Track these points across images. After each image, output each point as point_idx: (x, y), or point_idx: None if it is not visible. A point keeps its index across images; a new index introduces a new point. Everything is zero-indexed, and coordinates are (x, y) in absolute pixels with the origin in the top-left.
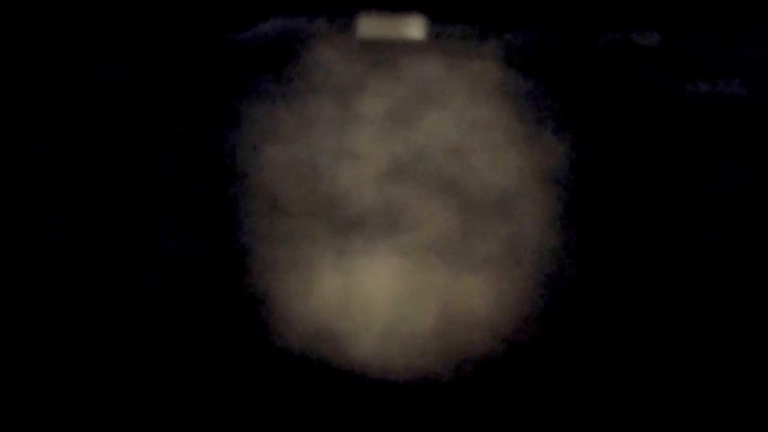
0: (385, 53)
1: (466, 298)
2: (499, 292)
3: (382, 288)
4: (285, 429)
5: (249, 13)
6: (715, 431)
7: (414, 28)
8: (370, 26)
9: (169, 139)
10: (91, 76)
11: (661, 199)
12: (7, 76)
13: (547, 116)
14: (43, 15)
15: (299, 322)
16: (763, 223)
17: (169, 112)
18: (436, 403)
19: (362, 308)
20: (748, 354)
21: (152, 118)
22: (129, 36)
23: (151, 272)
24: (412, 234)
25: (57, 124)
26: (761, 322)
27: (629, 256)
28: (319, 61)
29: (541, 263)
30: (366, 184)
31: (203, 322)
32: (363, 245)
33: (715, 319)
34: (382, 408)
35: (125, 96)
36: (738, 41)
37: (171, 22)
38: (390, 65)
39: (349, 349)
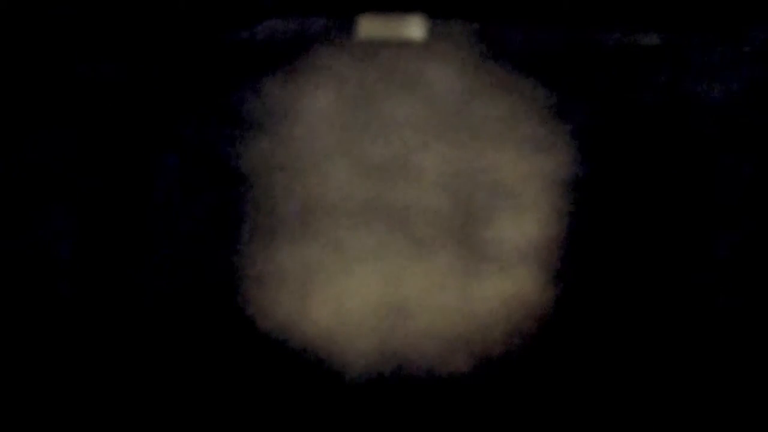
0: (385, 53)
1: (468, 298)
2: (501, 293)
3: (383, 288)
4: (283, 429)
5: (249, 13)
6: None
7: (414, 28)
8: (370, 26)
9: (168, 138)
10: (91, 75)
11: (661, 196)
12: (5, 75)
13: (548, 115)
14: (41, 15)
15: (299, 321)
16: (764, 221)
17: (169, 111)
18: (435, 403)
19: (362, 308)
20: (752, 354)
21: (151, 118)
22: (128, 36)
23: (150, 271)
24: (412, 233)
25: (55, 124)
26: (764, 322)
27: (631, 253)
28: (319, 61)
29: (544, 263)
30: (367, 183)
31: (201, 320)
32: (363, 244)
33: (717, 318)
34: (382, 408)
35: (124, 95)
36: (738, 41)
37: (171, 22)
38: (390, 65)
39: (348, 349)
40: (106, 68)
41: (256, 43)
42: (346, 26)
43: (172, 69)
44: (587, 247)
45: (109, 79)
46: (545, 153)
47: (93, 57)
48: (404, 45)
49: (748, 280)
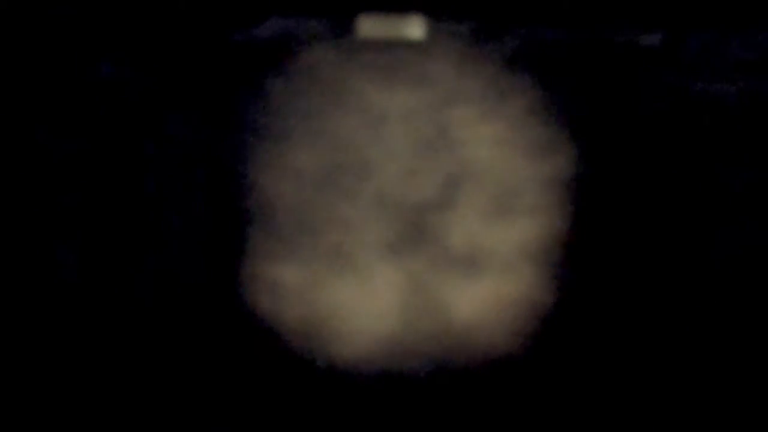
0: (385, 53)
1: (466, 300)
2: (501, 295)
3: (384, 291)
4: (282, 430)
5: (249, 13)
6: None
7: (414, 28)
8: (370, 26)
9: (168, 139)
10: (90, 76)
11: (662, 198)
12: (6, 76)
13: (548, 116)
14: (42, 16)
15: (300, 325)
16: (764, 223)
17: (169, 112)
18: (434, 404)
19: (363, 311)
20: (751, 356)
21: (151, 119)
22: (129, 36)
23: (149, 272)
24: (415, 235)
25: (57, 126)
26: (764, 323)
27: (631, 255)
28: (319, 61)
29: (544, 265)
30: (367, 183)
31: (202, 324)
32: (365, 246)
33: (718, 319)
34: (381, 411)
35: (124, 97)
36: (738, 41)
37: (171, 22)
38: (390, 65)
39: (348, 352)
40: (105, 68)
41: (256, 43)
42: (346, 26)
43: (171, 69)
44: (588, 249)
45: (109, 79)
46: (545, 154)
47: (92, 57)
48: (404, 45)
49: (750, 280)
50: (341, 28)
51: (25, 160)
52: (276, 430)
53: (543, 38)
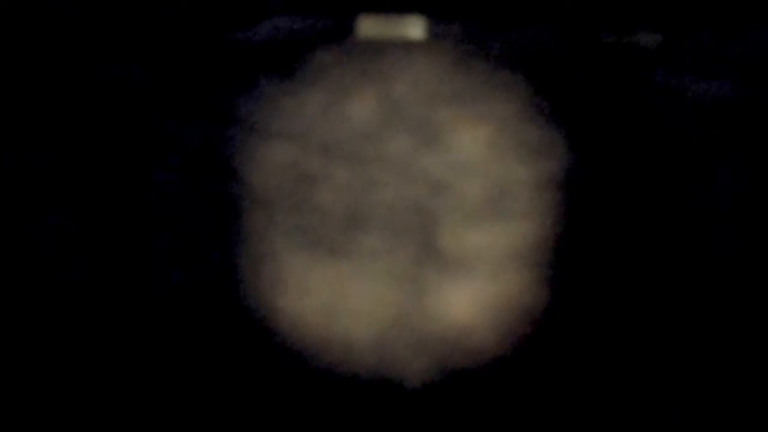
0: (385, 53)
1: (459, 301)
2: (494, 297)
3: (378, 290)
4: (282, 430)
5: (249, 13)
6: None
7: (414, 28)
8: (370, 26)
9: (168, 139)
10: (90, 77)
11: (660, 200)
12: (7, 78)
13: (549, 117)
14: (43, 17)
15: (297, 323)
16: (763, 225)
17: (168, 112)
18: (430, 407)
19: (358, 310)
20: (750, 358)
21: (151, 119)
22: (128, 37)
23: (150, 274)
24: (409, 235)
25: (58, 126)
26: (762, 325)
27: (627, 257)
28: (319, 61)
29: (539, 266)
30: (363, 183)
31: (202, 323)
32: (361, 246)
33: (713, 322)
34: (373, 411)
35: (124, 97)
36: (738, 41)
37: (170, 22)
38: (390, 65)
39: (338, 353)
40: (105, 68)
41: (255, 43)
42: (346, 26)
43: (171, 69)
44: (583, 251)
45: (109, 80)
46: (545, 155)
47: (92, 58)
48: (404, 45)
49: (747, 283)
50: (341, 28)
51: (26, 161)
52: (271, 430)
53: (543, 38)
